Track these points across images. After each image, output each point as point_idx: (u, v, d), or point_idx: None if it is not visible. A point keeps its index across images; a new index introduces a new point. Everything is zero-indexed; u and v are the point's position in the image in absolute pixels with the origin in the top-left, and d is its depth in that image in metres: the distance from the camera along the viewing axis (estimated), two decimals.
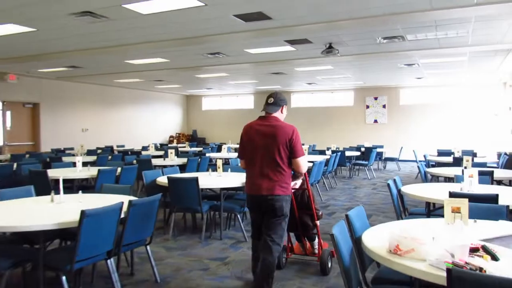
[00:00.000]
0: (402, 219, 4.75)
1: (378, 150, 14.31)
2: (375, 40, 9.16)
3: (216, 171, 6.57)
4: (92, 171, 6.76)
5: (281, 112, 3.69)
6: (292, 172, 3.67)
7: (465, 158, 7.04)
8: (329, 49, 9.46)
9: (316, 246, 4.50)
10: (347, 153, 12.22)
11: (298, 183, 3.97)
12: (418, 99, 18.09)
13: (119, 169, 6.88)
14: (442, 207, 3.56)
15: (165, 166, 9.16)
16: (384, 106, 18.54)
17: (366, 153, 13.40)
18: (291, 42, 9.39)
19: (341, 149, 13.93)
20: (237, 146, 16.71)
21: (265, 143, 3.52)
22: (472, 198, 3.72)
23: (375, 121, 18.67)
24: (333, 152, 12.11)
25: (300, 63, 12.08)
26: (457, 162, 9.02)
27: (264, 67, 12.87)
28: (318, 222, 4.34)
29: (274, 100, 3.66)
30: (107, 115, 17.98)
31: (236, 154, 10.94)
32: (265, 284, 3.38)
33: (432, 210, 4.77)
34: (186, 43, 9.11)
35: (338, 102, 19.61)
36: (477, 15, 7.26)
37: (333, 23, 7.59)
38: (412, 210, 5.31)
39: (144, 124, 20.10)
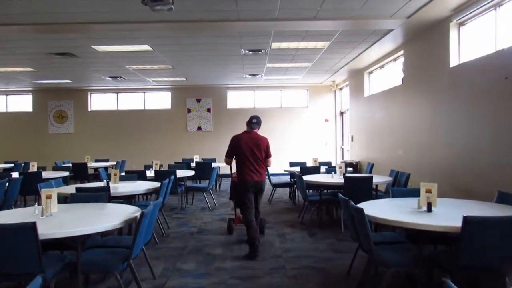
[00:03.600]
0: None
1: (214, 164, 10.65)
2: None
3: None
4: None
5: (258, 129, 5.65)
6: None
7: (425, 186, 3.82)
8: None
9: None
10: (178, 173, 8.12)
11: None
12: (248, 102, 15.30)
13: None
14: None
15: None
16: (208, 110, 15.11)
17: (201, 171, 9.58)
18: None
19: (165, 167, 9.75)
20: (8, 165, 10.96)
21: (252, 149, 5.43)
22: None
23: (199, 128, 15.07)
24: (158, 173, 7.83)
25: (102, 32, 7.43)
26: (355, 184, 5.97)
27: (43, 38, 7.73)
28: None
29: (257, 121, 5.64)
30: None
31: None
32: (262, 230, 6.23)
33: None
34: None
35: (152, 104, 15.31)
36: None
37: None
38: None
39: None
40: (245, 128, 5.63)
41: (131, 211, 4.02)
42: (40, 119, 14.99)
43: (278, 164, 13.32)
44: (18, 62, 10.21)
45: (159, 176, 7.70)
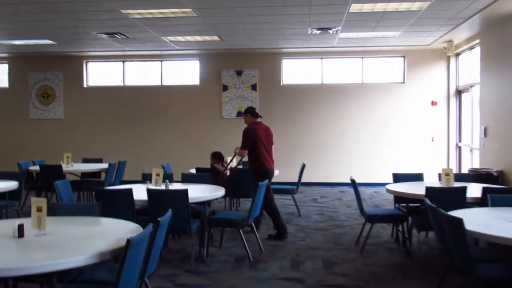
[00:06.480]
0: None
1: None
2: None
3: None
4: None
5: None
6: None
7: None
8: None
9: None
10: (193, 193, 5.07)
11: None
12: (312, 76, 12.04)
13: None
14: None
15: None
16: (253, 87, 12.01)
17: (239, 186, 6.61)
18: None
19: (179, 173, 6.75)
20: None
21: (267, 137, 6.59)
22: None
23: (240, 113, 11.99)
24: (154, 195, 4.81)
25: None
26: None
27: None
28: None
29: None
30: None
31: None
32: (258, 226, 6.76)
33: None
34: None
35: (174, 78, 12.42)
36: None
37: None
38: None
39: None
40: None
41: None
42: (19, 98, 12.50)
43: (357, 172, 10.23)
44: None
45: (157, 200, 4.78)
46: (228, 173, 6.95)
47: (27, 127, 12.49)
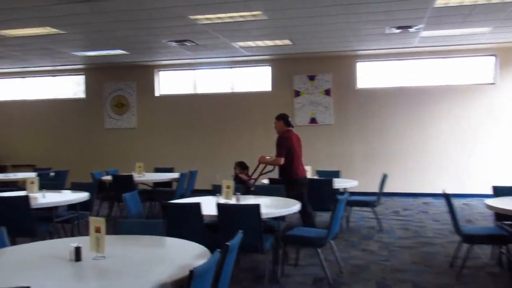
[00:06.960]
0: None
1: (336, 183, 7.02)
2: None
3: None
4: None
5: None
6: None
7: None
8: None
9: None
10: (268, 210, 4.62)
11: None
12: (390, 79, 11.28)
13: None
14: None
15: None
16: (327, 93, 11.42)
17: (314, 198, 6.11)
18: None
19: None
20: None
21: (299, 146, 6.56)
22: None
23: (313, 120, 11.47)
24: (224, 210, 4.43)
25: None
26: None
27: None
28: None
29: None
30: None
31: None
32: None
33: None
34: None
35: (244, 85, 12.13)
36: None
37: None
38: None
39: None
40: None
41: None
42: (94, 109, 12.77)
43: (443, 182, 9.40)
44: (29, 20, 7.68)
45: (227, 215, 4.40)
46: (253, 183, 6.91)
47: (102, 137, 12.71)
